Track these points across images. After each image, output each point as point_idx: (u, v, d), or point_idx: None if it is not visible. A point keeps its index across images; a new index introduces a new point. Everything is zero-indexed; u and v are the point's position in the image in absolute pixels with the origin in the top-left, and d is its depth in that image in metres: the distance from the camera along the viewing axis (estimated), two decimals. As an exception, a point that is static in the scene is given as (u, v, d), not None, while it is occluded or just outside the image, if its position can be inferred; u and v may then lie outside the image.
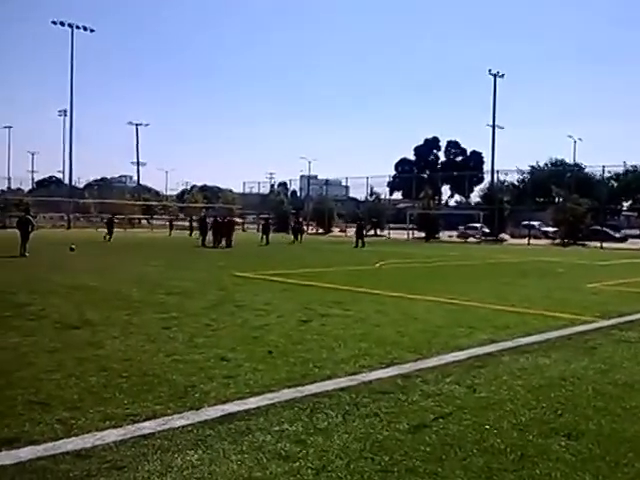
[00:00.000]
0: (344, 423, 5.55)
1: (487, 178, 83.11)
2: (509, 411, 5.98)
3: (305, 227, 48.98)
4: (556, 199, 69.11)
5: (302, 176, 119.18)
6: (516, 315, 12.08)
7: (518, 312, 12.46)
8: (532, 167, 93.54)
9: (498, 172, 73.68)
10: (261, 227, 54.07)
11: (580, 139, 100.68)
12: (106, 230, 44.45)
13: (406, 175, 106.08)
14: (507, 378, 7.21)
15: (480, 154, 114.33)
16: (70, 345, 8.57)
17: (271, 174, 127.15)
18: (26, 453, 4.73)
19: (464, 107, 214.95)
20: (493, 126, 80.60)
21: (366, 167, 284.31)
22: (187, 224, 60.03)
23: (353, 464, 4.64)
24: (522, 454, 4.89)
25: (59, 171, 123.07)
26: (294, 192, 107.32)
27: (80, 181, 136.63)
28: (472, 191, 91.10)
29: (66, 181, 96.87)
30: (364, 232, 45.97)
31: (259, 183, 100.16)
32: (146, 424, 5.40)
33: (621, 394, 6.72)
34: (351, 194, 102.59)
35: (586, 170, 77.62)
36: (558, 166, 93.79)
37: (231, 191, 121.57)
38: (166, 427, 5.32)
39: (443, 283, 18.48)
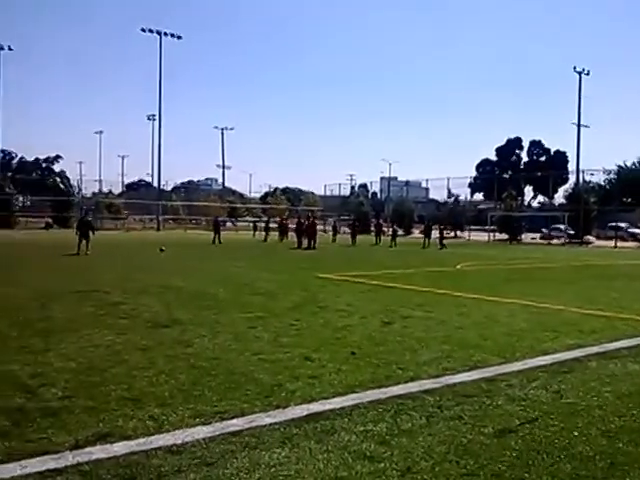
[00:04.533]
0: (428, 425, 5.54)
1: (572, 178, 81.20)
2: (597, 418, 5.86)
3: (386, 229, 48.82)
4: (645, 200, 67.05)
5: (382, 178, 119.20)
6: (603, 319, 11.79)
7: (606, 316, 12.17)
8: (619, 166, 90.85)
9: (583, 172, 72.09)
10: (334, 228, 54.49)
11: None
12: (213, 232, 45.35)
13: (487, 176, 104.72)
14: (595, 384, 7.05)
15: (564, 154, 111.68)
16: (161, 343, 8.80)
17: (351, 176, 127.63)
18: (120, 448, 4.85)
19: (548, 106, 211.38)
20: (578, 125, 78.78)
21: (446, 168, 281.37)
22: (272, 226, 60.61)
23: (438, 467, 4.63)
24: (611, 462, 4.79)
25: (148, 174, 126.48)
26: (374, 194, 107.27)
27: (168, 184, 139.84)
28: (556, 192, 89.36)
29: (155, 184, 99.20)
30: (440, 233, 45.66)
31: (340, 185, 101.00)
32: (234, 421, 5.50)
33: None
34: (431, 195, 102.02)
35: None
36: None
37: (312, 193, 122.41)
38: (253, 425, 5.41)
39: (526, 286, 18.16)
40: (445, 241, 45.50)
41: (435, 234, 47.33)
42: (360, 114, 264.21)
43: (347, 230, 60.65)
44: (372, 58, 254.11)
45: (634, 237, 60.34)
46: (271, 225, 56.15)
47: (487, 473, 4.54)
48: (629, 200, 79.53)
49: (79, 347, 8.47)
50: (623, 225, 63.37)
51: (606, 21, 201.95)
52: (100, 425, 5.36)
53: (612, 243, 54.59)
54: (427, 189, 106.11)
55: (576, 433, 5.41)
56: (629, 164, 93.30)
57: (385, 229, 49.07)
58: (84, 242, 28.75)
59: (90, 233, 29.38)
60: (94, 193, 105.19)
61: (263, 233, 54.26)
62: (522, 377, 7.29)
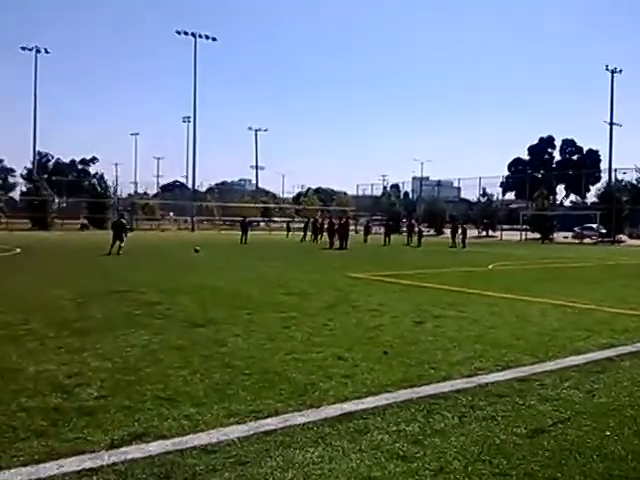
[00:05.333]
0: (461, 425, 5.56)
1: (604, 177, 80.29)
2: (630, 417, 5.84)
3: (417, 229, 48.69)
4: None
5: (414, 178, 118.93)
6: (636, 319, 11.69)
7: (638, 315, 12.06)
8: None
9: (616, 170, 71.22)
10: (366, 228, 54.41)
11: None
12: (240, 233, 45.72)
13: (519, 175, 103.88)
14: (628, 384, 7.02)
15: (597, 152, 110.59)
16: (195, 343, 8.87)
17: (384, 176, 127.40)
18: (155, 447, 4.89)
19: (580, 105, 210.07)
20: (611, 123, 78.04)
21: (478, 168, 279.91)
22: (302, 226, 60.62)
23: (471, 466, 4.65)
24: (644, 462, 4.79)
25: (183, 175, 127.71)
26: (406, 194, 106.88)
27: (202, 185, 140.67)
28: (588, 191, 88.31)
29: (189, 185, 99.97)
30: (463, 233, 45.36)
31: (372, 185, 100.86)
32: (268, 421, 5.54)
33: None
34: (463, 195, 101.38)
35: None
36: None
37: (345, 193, 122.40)
38: (287, 424, 5.44)
39: (558, 285, 18.05)
40: (478, 240, 45.32)
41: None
42: (392, 115, 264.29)
43: (379, 230, 60.57)
44: (405, 56, 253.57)
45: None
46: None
47: (519, 473, 4.55)
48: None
49: (115, 347, 8.56)
50: (656, 224, 62.56)
51: (637, 17, 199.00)
52: (135, 425, 5.41)
53: (645, 242, 53.92)
54: (459, 189, 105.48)
55: (608, 433, 5.41)
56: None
57: (417, 229, 48.75)
58: (117, 243, 29.17)
59: (123, 235, 29.87)
60: (130, 194, 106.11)
61: (297, 233, 54.32)
62: (555, 377, 7.27)
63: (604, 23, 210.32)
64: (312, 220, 52.93)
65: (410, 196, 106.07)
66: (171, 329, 9.94)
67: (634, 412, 6.01)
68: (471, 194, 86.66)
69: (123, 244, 29.39)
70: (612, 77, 77.59)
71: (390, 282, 18.03)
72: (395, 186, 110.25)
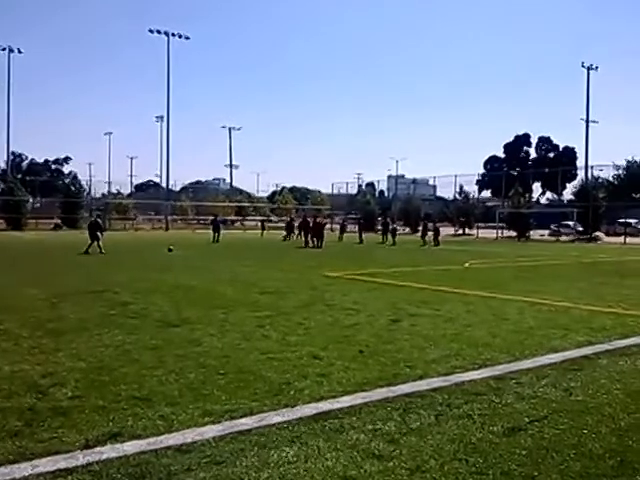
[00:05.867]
0: (437, 424, 5.54)
1: (580, 174, 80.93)
2: (607, 415, 5.84)
3: (392, 227, 48.62)
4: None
5: (389, 176, 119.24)
6: (613, 316, 11.75)
7: (616, 313, 12.12)
8: (628, 162, 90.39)
9: (592, 168, 71.84)
10: (342, 227, 54.35)
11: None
12: (212, 232, 45.67)
13: (495, 173, 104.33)
14: (605, 381, 7.03)
15: (573, 150, 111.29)
16: (170, 342, 8.83)
17: (359, 174, 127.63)
18: (130, 447, 4.88)
19: (556, 102, 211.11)
20: (587, 120, 78.77)
21: (454, 166, 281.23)
22: (279, 225, 60.21)
23: (447, 465, 4.63)
24: (621, 460, 4.77)
25: (156, 175, 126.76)
26: (382, 192, 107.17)
27: (176, 184, 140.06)
28: (565, 188, 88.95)
29: (163, 184, 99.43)
30: (435, 231, 45.10)
31: (347, 184, 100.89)
32: (243, 420, 5.51)
33: None
34: (439, 193, 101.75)
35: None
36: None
37: (320, 192, 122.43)
38: (262, 424, 5.42)
39: (535, 283, 18.10)
40: (455, 238, 45.32)
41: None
42: (368, 112, 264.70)
43: (354, 229, 60.51)
44: (380, 54, 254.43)
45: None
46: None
47: (496, 472, 4.54)
48: (638, 196, 79.14)
49: (90, 347, 8.53)
50: (632, 221, 63.06)
51: (615, 16, 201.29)
52: (110, 424, 5.40)
53: (621, 239, 54.33)
54: (435, 187, 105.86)
55: (586, 431, 5.40)
56: (638, 159, 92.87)
57: (391, 227, 48.66)
58: (96, 243, 29.21)
59: (99, 234, 29.91)
60: (103, 194, 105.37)
61: (272, 232, 54.13)
62: (531, 375, 7.28)
63: (580, 20, 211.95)
64: (288, 219, 52.89)
65: (386, 194, 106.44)
66: (146, 329, 9.88)
67: (611, 410, 6.01)
68: (447, 192, 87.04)
69: (101, 242, 29.41)
70: (588, 74, 78.32)
71: (366, 281, 18.01)
72: (370, 184, 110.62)
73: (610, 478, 4.46)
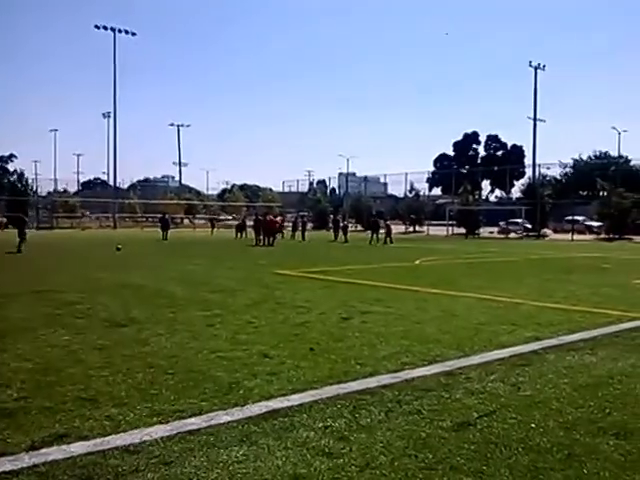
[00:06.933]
0: (387, 420, 5.54)
1: (528, 172, 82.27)
2: (555, 410, 5.90)
3: (342, 224, 48.54)
4: (600, 193, 67.82)
5: (340, 174, 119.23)
6: (561, 312, 11.92)
7: (563, 309, 12.31)
8: (575, 160, 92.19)
9: (540, 166, 72.72)
10: (294, 224, 54.02)
11: (625, 131, 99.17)
12: (161, 230, 45.37)
13: (445, 171, 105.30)
14: (552, 376, 7.12)
15: (521, 148, 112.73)
16: (118, 342, 8.72)
17: (309, 172, 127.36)
18: (76, 448, 4.81)
19: (504, 101, 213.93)
20: (534, 119, 79.81)
21: (405, 164, 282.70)
22: (229, 223, 59.70)
23: (397, 461, 4.64)
24: (569, 453, 4.82)
25: (104, 172, 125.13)
26: (333, 190, 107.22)
27: (124, 182, 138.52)
28: (513, 186, 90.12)
29: (111, 182, 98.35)
30: (387, 228, 44.75)
31: (298, 181, 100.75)
32: (192, 420, 5.46)
33: (670, 392, 6.57)
34: (389, 191, 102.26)
35: (632, 163, 76.48)
36: (602, 159, 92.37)
37: (270, 190, 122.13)
38: (212, 423, 5.38)
39: (484, 280, 18.31)
40: (406, 236, 45.37)
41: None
42: (318, 111, 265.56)
43: (308, 227, 60.48)
44: (330, 55, 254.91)
45: (590, 230, 61.17)
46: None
47: (446, 467, 4.55)
48: (585, 193, 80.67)
49: (35, 347, 8.39)
50: (579, 218, 64.14)
51: (561, 16, 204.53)
52: (57, 426, 5.32)
53: (569, 236, 55.23)
54: (385, 184, 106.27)
55: (533, 425, 5.46)
56: (584, 157, 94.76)
57: (342, 225, 48.64)
58: (18, 240, 29.05)
59: (21, 231, 29.88)
60: (49, 192, 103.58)
61: (222, 230, 53.78)
62: (480, 370, 7.34)
63: (527, 19, 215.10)
64: (239, 217, 52.66)
65: (337, 192, 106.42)
66: (92, 329, 9.74)
67: (559, 404, 6.08)
68: (398, 190, 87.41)
69: (23, 240, 29.17)
70: (536, 73, 79.27)
71: (317, 278, 18.02)
72: (322, 182, 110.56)
73: (558, 472, 4.50)
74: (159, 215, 54.71)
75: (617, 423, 5.54)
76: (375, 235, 43.71)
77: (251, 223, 50.28)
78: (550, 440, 5.10)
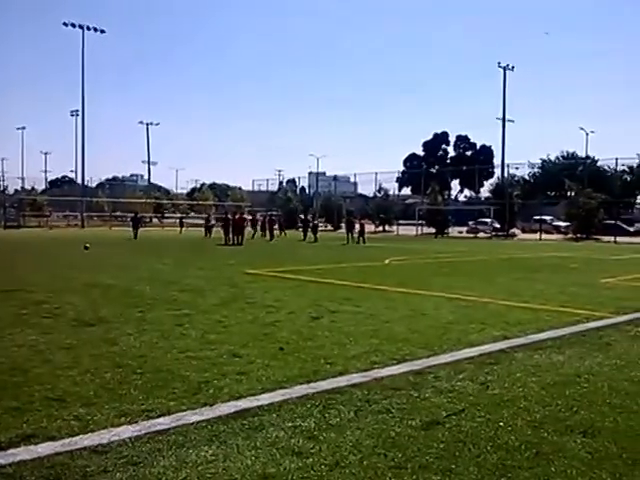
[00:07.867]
0: (356, 419, 5.55)
1: (497, 172, 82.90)
2: (523, 408, 5.95)
3: (312, 224, 48.42)
4: (568, 193, 68.47)
5: (310, 173, 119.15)
6: (529, 311, 12.03)
7: (531, 308, 12.42)
8: (543, 160, 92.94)
9: (508, 166, 73.44)
10: (263, 224, 53.81)
11: (592, 132, 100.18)
12: (132, 229, 45.18)
13: (415, 171, 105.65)
14: (520, 375, 7.18)
15: (490, 148, 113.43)
16: (85, 342, 8.64)
17: (279, 171, 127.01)
18: (44, 448, 4.77)
19: (474, 101, 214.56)
20: (503, 119, 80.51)
21: (375, 163, 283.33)
22: (198, 222, 59.47)
23: (366, 460, 4.65)
24: (537, 451, 4.86)
25: (72, 171, 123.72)
26: (303, 189, 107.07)
27: (92, 180, 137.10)
28: (482, 186, 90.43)
29: (79, 180, 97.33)
30: (361, 228, 44.72)
31: (267, 180, 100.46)
32: (161, 420, 5.43)
33: (637, 390, 6.65)
34: (359, 190, 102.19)
35: (599, 163, 77.29)
36: (570, 159, 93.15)
37: (240, 189, 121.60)
38: (180, 423, 5.35)
39: (453, 279, 18.40)
40: (375, 235, 45.39)
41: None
42: (288, 110, 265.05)
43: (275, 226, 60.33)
44: (299, 54, 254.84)
45: (558, 229, 61.76)
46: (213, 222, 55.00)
47: (415, 465, 4.57)
48: (553, 194, 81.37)
49: (1, 347, 8.31)
50: (547, 218, 64.77)
51: (529, 17, 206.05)
52: (24, 426, 5.27)
53: (537, 236, 55.79)
54: (355, 184, 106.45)
55: (502, 424, 5.49)
56: (553, 158, 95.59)
57: (311, 224, 48.52)
58: None
59: None
60: (17, 190, 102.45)
61: (190, 229, 53.52)
62: (449, 369, 7.37)
63: (497, 20, 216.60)
64: (206, 216, 52.47)
65: (307, 191, 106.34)
66: (60, 328, 9.66)
67: (527, 403, 6.13)
68: (368, 189, 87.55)
69: None
70: (504, 74, 79.92)
71: (287, 278, 18.00)
72: (291, 181, 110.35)
73: (526, 470, 4.53)
74: (129, 214, 54.33)
75: (584, 421, 5.60)
76: (350, 234, 43.77)
77: (213, 222, 50.38)
78: (518, 438, 5.14)
